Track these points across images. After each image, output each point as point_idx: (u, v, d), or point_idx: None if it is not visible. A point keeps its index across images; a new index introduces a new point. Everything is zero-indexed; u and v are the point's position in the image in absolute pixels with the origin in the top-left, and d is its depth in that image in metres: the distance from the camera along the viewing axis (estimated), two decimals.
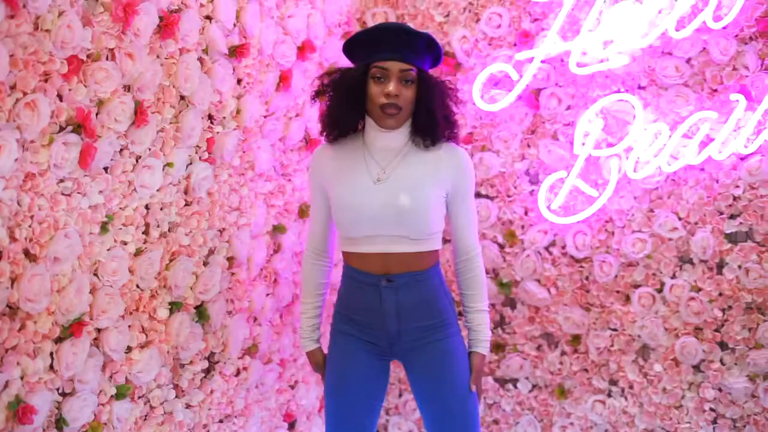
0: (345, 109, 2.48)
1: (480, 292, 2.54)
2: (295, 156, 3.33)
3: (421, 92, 2.42)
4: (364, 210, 2.42)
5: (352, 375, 2.54)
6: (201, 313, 2.76)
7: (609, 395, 3.58)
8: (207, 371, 2.85)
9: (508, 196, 3.61)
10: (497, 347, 3.71)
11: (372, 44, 2.40)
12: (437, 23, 3.68)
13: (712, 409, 3.41)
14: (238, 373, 3.03)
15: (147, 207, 2.51)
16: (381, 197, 2.41)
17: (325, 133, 2.56)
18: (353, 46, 2.48)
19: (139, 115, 2.39)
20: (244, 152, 2.96)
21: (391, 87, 2.36)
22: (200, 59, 2.70)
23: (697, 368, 3.43)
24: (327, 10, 3.48)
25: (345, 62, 3.59)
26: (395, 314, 2.48)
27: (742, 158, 3.30)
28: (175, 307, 2.62)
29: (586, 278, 3.55)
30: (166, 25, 2.49)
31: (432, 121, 2.44)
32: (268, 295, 3.18)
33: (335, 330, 2.61)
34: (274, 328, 3.24)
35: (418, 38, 2.39)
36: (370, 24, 3.76)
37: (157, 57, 2.50)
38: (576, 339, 3.59)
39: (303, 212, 3.38)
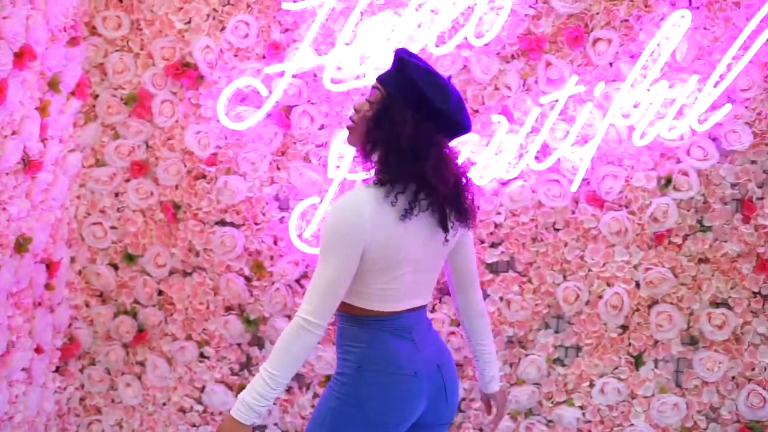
0: None
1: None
2: (11, 180, 3.16)
3: None
4: None
5: None
6: None
7: None
8: None
9: (256, 224, 3.56)
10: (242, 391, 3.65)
11: None
12: (177, 30, 3.57)
13: None
14: None
15: None
16: None
17: None
18: None
19: None
20: None
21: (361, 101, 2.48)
22: None
23: (458, 408, 3.50)
24: (50, 11, 3.31)
25: (69, 72, 3.49)
26: None
27: (504, 183, 3.39)
28: None
29: None
30: None
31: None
32: None
33: None
34: None
35: (394, 56, 2.43)
36: (100, 29, 3.63)
37: None
38: (329, 380, 3.55)
39: (20, 246, 3.22)
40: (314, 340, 2.30)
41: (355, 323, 2.48)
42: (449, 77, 2.44)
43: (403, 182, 2.34)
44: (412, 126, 2.33)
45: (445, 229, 2.41)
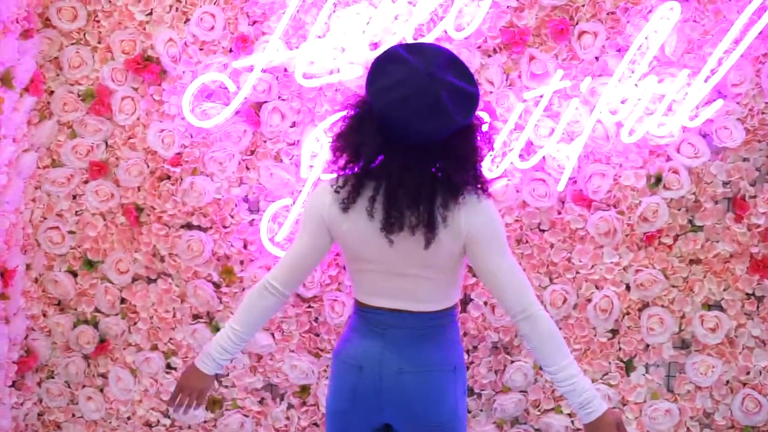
0: None
1: None
2: None
3: None
4: None
5: None
6: None
7: None
8: None
9: (225, 227, 3.48)
10: (214, 403, 3.58)
11: None
12: (138, 22, 3.47)
13: None
14: None
15: None
16: None
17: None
18: None
19: None
20: None
21: None
22: None
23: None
24: (1, 2, 3.20)
25: (22, 66, 3.37)
26: None
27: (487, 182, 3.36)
28: None
29: (315, 320, 3.49)
30: None
31: None
32: None
33: None
34: None
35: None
36: (55, 21, 3.51)
37: None
38: (305, 390, 3.54)
39: None
40: (276, 303, 2.67)
41: (354, 309, 2.70)
42: (434, 77, 2.31)
43: (353, 178, 2.49)
44: (357, 122, 2.45)
45: (384, 230, 2.42)
